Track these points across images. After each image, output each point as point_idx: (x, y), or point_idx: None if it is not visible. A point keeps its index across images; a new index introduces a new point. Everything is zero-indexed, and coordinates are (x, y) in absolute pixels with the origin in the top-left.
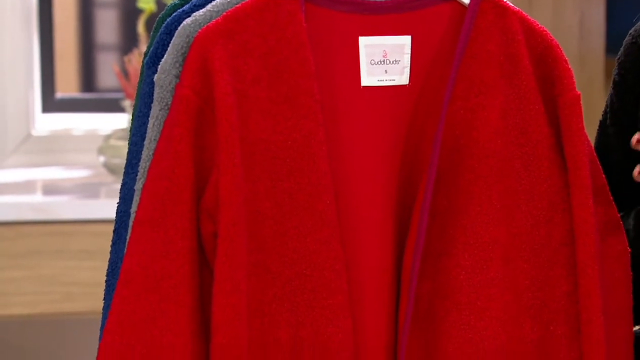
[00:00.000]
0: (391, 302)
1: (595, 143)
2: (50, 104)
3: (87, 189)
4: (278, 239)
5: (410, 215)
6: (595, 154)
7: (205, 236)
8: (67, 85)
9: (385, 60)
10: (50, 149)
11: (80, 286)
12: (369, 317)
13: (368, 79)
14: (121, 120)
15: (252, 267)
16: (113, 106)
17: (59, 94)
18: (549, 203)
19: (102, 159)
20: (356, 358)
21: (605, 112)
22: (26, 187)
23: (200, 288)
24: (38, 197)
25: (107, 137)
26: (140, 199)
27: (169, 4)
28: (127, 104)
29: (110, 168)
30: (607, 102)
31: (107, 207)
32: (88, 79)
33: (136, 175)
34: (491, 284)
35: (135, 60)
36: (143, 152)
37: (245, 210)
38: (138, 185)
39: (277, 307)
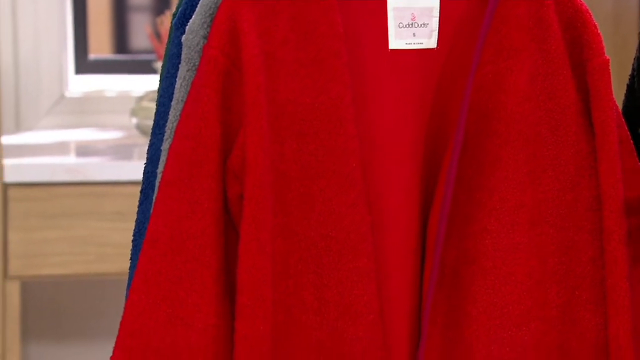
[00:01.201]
0: (416, 265)
1: (623, 106)
2: (84, 65)
3: (120, 151)
4: (304, 201)
5: (437, 179)
6: (623, 120)
7: (232, 197)
8: (100, 47)
9: (413, 23)
10: (83, 111)
11: (113, 247)
12: (394, 281)
13: (396, 42)
14: (154, 82)
15: (278, 229)
16: (146, 68)
17: (92, 56)
18: (576, 168)
19: (134, 120)
20: (381, 321)
21: (632, 76)
22: (59, 148)
23: (225, 249)
24: (71, 159)
25: (140, 99)
26: (167, 159)
27: None
28: (160, 65)
29: (142, 130)
30: (633, 65)
31: (140, 169)
32: (121, 40)
33: (163, 135)
34: (517, 249)
35: (168, 21)
36: (170, 112)
37: (271, 172)
38: (165, 146)
39: (302, 269)
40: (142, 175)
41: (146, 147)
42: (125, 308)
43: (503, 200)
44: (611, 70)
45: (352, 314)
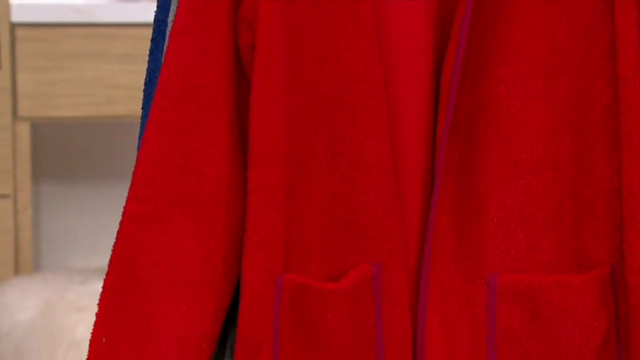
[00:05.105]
0: (430, 115)
1: None
2: None
3: None
4: (317, 54)
5: (451, 29)
6: None
7: (243, 47)
8: None
9: None
10: None
11: (123, 89)
12: (408, 130)
13: None
14: None
15: (291, 82)
16: None
17: None
18: (591, 15)
19: None
20: (394, 170)
21: None
22: None
23: (237, 99)
24: None
25: None
26: (177, 7)
27: None
28: None
29: None
30: None
31: (149, 11)
32: None
33: None
34: (531, 97)
35: None
36: None
37: (284, 25)
38: None
39: (314, 121)
40: (151, 18)
41: None
42: (137, 158)
43: (518, 49)
44: None
45: (365, 164)
